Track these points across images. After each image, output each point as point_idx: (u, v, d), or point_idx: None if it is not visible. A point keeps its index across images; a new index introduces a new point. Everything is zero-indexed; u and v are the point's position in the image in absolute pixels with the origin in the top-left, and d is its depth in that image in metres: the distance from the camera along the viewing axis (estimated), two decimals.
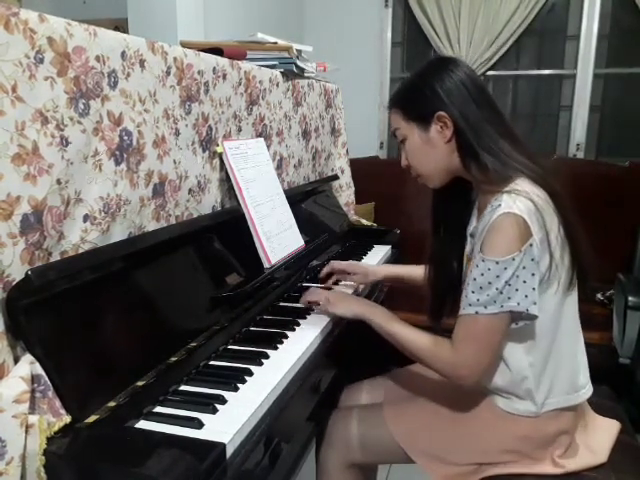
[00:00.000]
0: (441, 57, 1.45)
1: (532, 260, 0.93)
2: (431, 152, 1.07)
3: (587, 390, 1.09)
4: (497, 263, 0.93)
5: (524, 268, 0.93)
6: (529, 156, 1.03)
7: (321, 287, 1.39)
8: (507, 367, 1.03)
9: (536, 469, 1.05)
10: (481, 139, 1.01)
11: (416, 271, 1.40)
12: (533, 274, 0.93)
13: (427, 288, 1.25)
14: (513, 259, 0.92)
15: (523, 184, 0.98)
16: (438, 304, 1.23)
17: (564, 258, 0.98)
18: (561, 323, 1.03)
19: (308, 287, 1.36)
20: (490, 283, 0.93)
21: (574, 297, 1.05)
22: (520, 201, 0.93)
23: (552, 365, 1.03)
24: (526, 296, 0.93)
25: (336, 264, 1.46)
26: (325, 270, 1.45)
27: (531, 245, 0.92)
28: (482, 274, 0.94)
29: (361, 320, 1.16)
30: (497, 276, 0.93)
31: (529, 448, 1.05)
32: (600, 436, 1.11)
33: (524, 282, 0.93)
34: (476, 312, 0.95)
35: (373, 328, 1.13)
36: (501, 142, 1.01)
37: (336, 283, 1.47)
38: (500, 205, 0.94)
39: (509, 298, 0.93)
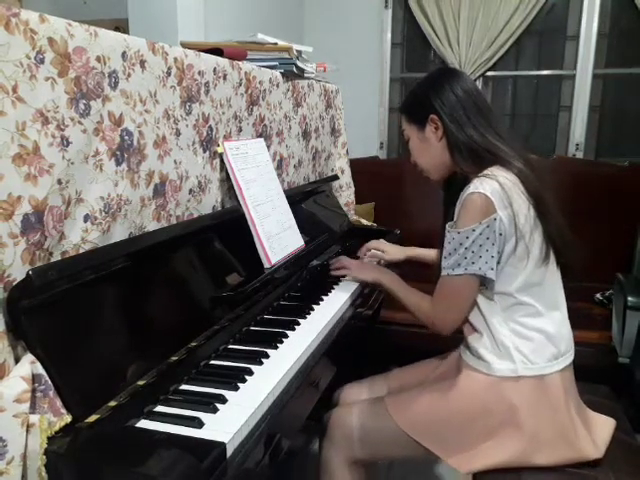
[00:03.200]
0: (442, 69, 1.65)
1: (494, 232, 1.07)
2: (427, 149, 1.24)
3: (568, 356, 1.16)
4: (459, 233, 1.09)
5: (487, 239, 1.07)
6: (514, 152, 1.16)
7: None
8: (485, 322, 1.15)
9: (540, 454, 1.07)
10: (464, 137, 1.16)
11: (431, 253, 1.58)
12: (493, 244, 1.07)
13: (437, 270, 1.35)
14: (473, 230, 1.07)
15: (495, 170, 1.12)
16: None
17: (534, 235, 1.10)
18: (541, 295, 1.13)
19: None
20: (455, 249, 1.10)
21: (553, 272, 1.16)
22: (486, 182, 1.08)
23: (529, 329, 1.12)
24: (486, 262, 1.08)
25: (369, 243, 1.71)
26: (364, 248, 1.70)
27: (495, 219, 1.06)
28: (449, 242, 1.11)
29: (377, 284, 1.39)
30: (460, 244, 1.09)
31: (524, 420, 1.08)
32: (599, 431, 1.15)
33: (486, 250, 1.08)
34: (447, 274, 1.13)
35: (385, 290, 1.36)
36: (482, 139, 1.15)
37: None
38: (469, 187, 1.10)
39: (473, 263, 1.09)
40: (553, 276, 1.16)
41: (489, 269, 1.08)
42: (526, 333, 1.12)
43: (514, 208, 1.07)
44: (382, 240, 1.75)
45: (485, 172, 1.11)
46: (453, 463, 1.11)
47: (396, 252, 1.66)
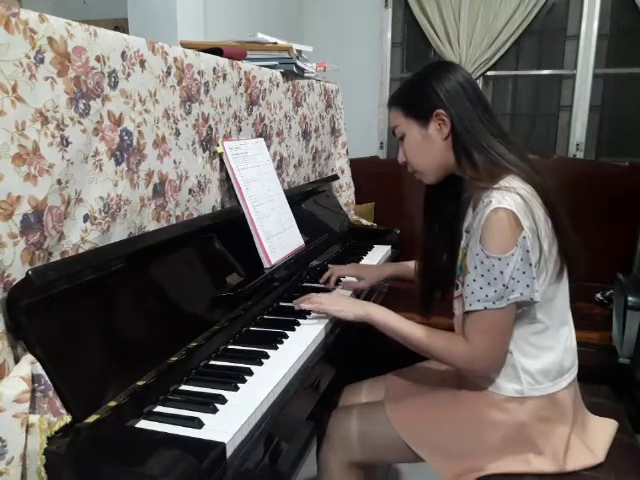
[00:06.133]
0: (440, 61, 1.53)
1: (527, 252, 0.97)
2: (429, 148, 1.11)
3: (573, 371, 1.12)
4: (500, 260, 0.97)
5: (522, 260, 0.97)
6: (519, 155, 1.08)
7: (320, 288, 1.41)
8: None
9: (537, 464, 1.05)
10: (474, 138, 1.06)
11: (411, 267, 1.43)
12: (530, 264, 0.98)
13: (416, 280, 1.29)
14: (512, 254, 0.97)
15: (512, 181, 1.02)
16: (428, 296, 1.28)
17: (552, 250, 1.03)
18: (551, 311, 1.06)
19: (306, 290, 1.36)
20: (496, 279, 0.98)
21: (565, 287, 1.10)
22: (509, 196, 0.98)
23: (537, 349, 1.07)
24: (527, 285, 0.98)
25: (337, 270, 1.47)
26: (325, 276, 1.46)
27: (524, 237, 0.97)
28: (488, 270, 0.98)
29: (363, 322, 1.16)
30: (501, 272, 0.97)
31: (527, 437, 1.06)
32: (598, 436, 1.13)
33: (523, 273, 0.98)
34: (485, 307, 1.00)
35: (376, 328, 1.15)
36: (492, 141, 1.06)
37: (337, 283, 1.48)
38: (491, 202, 0.99)
39: (513, 291, 0.98)
40: (564, 291, 1.10)
41: (534, 292, 0.98)
42: (534, 353, 1.06)
43: (536, 221, 0.99)
44: (354, 264, 1.57)
45: (501, 183, 1.01)
46: (453, 477, 1.09)
47: (373, 275, 1.47)
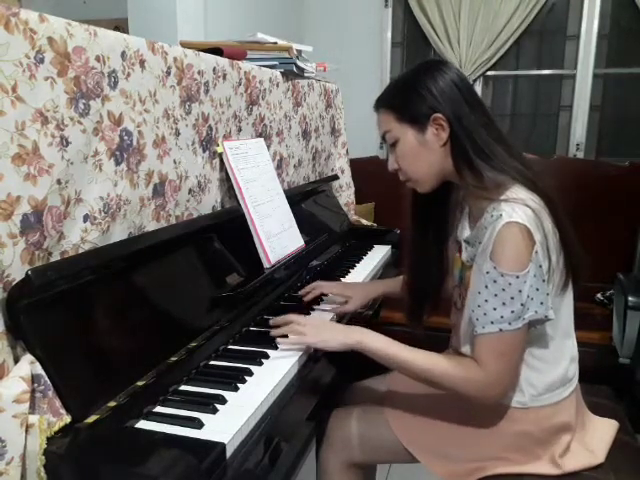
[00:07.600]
0: (431, 60, 1.45)
1: (540, 267, 0.93)
2: (425, 155, 1.04)
3: (575, 379, 1.10)
4: (517, 277, 0.91)
5: (535, 276, 0.92)
6: (520, 160, 1.02)
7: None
8: None
9: (535, 468, 1.05)
10: (475, 144, 0.99)
11: (399, 283, 1.35)
12: (544, 280, 0.93)
13: (405, 292, 1.24)
14: (528, 271, 0.91)
15: (518, 191, 0.97)
16: (418, 307, 1.24)
17: (559, 261, 0.99)
18: (556, 323, 1.03)
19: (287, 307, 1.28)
20: (513, 298, 0.92)
21: (570, 297, 1.06)
22: (519, 209, 0.93)
23: (543, 362, 1.04)
24: (541, 303, 0.93)
25: (320, 287, 1.34)
26: (305, 290, 1.34)
27: (536, 252, 0.92)
28: (503, 289, 0.92)
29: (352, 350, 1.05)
30: (519, 290, 0.92)
31: (528, 445, 1.05)
32: (598, 436, 1.12)
33: (537, 290, 0.93)
34: (500, 329, 0.94)
35: (368, 355, 1.05)
36: (494, 147, 0.99)
37: (320, 300, 1.36)
38: (501, 215, 0.93)
39: (528, 309, 0.93)
40: (568, 302, 1.06)
41: (549, 309, 0.93)
42: (540, 366, 1.03)
43: (546, 234, 0.94)
44: (341, 282, 1.44)
45: (508, 194, 0.96)
46: (452, 478, 1.09)
47: (361, 295, 1.33)
